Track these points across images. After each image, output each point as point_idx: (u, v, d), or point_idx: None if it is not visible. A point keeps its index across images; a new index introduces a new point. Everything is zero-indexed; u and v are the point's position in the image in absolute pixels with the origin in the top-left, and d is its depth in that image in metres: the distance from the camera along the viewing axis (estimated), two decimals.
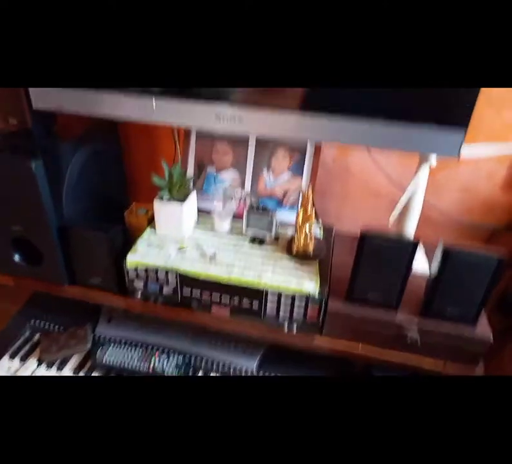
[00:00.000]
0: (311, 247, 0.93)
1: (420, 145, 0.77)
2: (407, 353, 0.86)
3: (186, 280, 0.90)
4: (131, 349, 0.99)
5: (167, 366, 0.95)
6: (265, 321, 0.90)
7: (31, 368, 0.99)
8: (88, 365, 0.99)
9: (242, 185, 1.06)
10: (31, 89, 0.88)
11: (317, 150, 1.01)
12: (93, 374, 0.97)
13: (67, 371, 0.98)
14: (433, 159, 0.87)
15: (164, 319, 0.96)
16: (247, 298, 0.88)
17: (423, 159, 0.88)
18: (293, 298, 0.86)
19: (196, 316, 0.94)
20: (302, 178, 1.03)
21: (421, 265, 0.98)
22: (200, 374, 0.96)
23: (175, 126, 1.08)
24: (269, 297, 0.86)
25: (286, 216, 1.04)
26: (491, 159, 1.00)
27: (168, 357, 0.97)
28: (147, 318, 1.00)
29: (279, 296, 0.86)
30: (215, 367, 0.96)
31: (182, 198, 0.96)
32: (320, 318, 0.87)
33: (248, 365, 0.96)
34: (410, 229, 0.97)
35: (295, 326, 0.88)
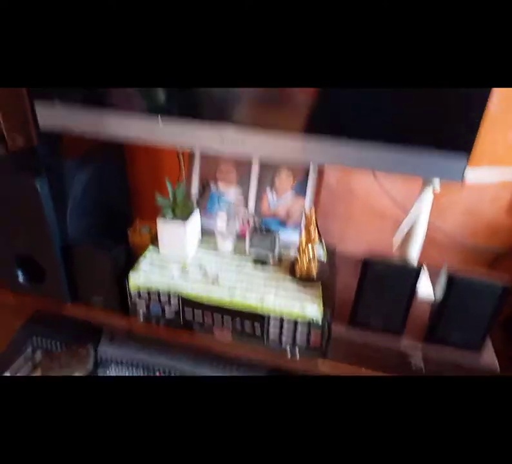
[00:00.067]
0: (314, 270, 0.92)
1: (423, 170, 0.77)
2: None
3: (188, 302, 0.89)
4: (132, 369, 0.98)
5: None
6: (268, 345, 0.89)
7: None
8: None
9: (246, 204, 1.06)
10: (37, 109, 0.89)
11: (320, 171, 1.02)
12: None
13: None
14: (437, 183, 0.87)
15: (167, 340, 0.96)
16: (250, 322, 0.87)
17: (426, 182, 0.88)
18: (296, 323, 0.85)
19: (198, 338, 0.93)
20: (305, 199, 1.03)
21: (425, 288, 0.97)
22: None
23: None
24: (272, 321, 0.86)
25: (289, 236, 1.04)
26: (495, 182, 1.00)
27: None
28: (150, 338, 0.99)
29: (282, 320, 0.85)
30: None
31: (186, 218, 0.96)
32: (324, 343, 0.86)
33: None
34: (414, 252, 0.97)
35: (297, 350, 0.88)
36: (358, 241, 1.16)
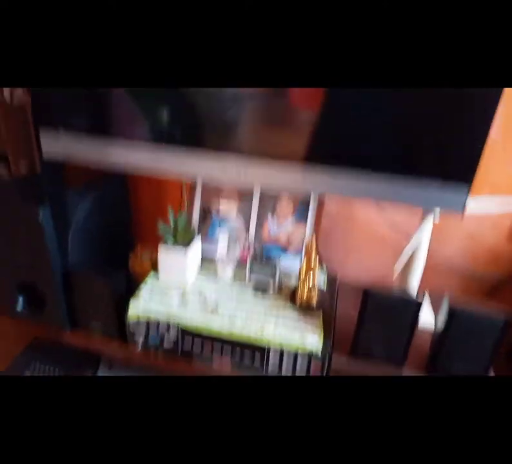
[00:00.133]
0: (314, 298, 0.92)
1: (423, 201, 0.77)
2: None
3: (187, 331, 0.89)
4: None
5: None
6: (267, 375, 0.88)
7: None
8: None
9: (247, 231, 1.06)
10: (42, 137, 0.90)
11: (321, 198, 1.02)
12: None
13: None
14: (437, 212, 0.87)
15: (165, 369, 0.95)
16: (249, 352, 0.87)
17: (427, 211, 0.89)
18: (296, 353, 0.84)
19: (197, 368, 0.92)
20: (306, 225, 1.03)
21: (427, 317, 0.96)
22: None
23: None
24: (272, 352, 0.85)
25: (290, 262, 1.04)
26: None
27: None
28: (148, 366, 0.98)
29: (282, 350, 0.85)
30: None
31: (187, 245, 0.96)
32: (324, 374, 0.85)
33: None
34: (414, 280, 0.97)
35: None
36: (359, 267, 1.15)
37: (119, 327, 0.95)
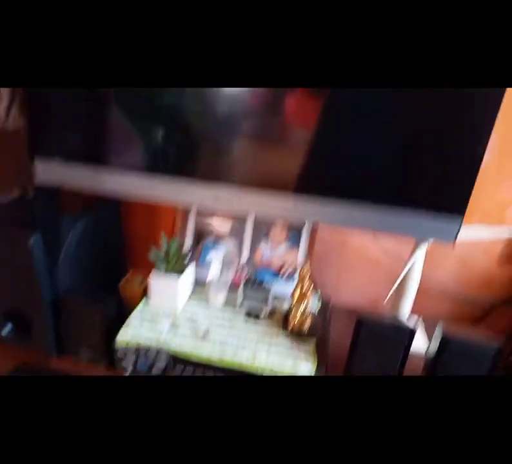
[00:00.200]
0: (307, 325, 0.91)
1: (415, 231, 0.78)
2: None
3: (177, 358, 0.87)
4: None
5: None
6: None
7: None
8: None
9: (240, 255, 1.06)
10: (37, 164, 0.90)
11: (315, 224, 1.02)
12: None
13: None
14: (429, 242, 0.88)
15: None
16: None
17: (419, 241, 0.89)
18: None
19: None
20: (299, 250, 1.03)
21: (419, 342, 0.96)
22: None
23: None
24: None
25: (283, 287, 1.03)
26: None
27: None
28: None
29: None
30: None
31: (179, 272, 0.95)
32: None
33: None
34: (407, 305, 0.97)
35: None
36: (352, 292, 1.15)
37: (108, 354, 0.94)
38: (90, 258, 1.03)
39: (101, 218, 1.06)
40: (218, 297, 1.00)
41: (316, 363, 0.83)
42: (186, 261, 0.98)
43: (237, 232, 1.06)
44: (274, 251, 1.04)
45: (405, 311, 0.97)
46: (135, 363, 0.90)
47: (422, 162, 0.74)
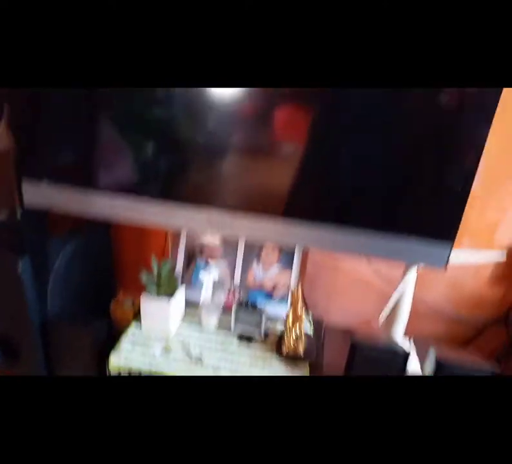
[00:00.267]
0: (301, 348, 0.90)
1: (405, 256, 0.78)
2: None
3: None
4: None
5: None
6: None
7: None
8: None
9: (232, 277, 1.05)
10: (24, 187, 0.89)
11: (306, 247, 1.03)
12: None
13: None
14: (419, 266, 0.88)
15: None
16: None
17: (409, 265, 0.89)
18: None
19: None
20: (291, 271, 1.03)
21: (413, 365, 0.95)
22: None
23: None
24: None
25: (275, 308, 1.03)
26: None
27: None
28: None
29: None
30: None
31: (170, 295, 0.94)
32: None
33: None
34: (400, 327, 0.96)
35: None
36: (344, 312, 1.15)
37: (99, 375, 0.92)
38: (80, 280, 1.02)
39: (91, 240, 1.05)
40: (211, 320, 0.99)
41: None
42: (177, 285, 0.97)
43: (229, 254, 1.05)
44: (266, 272, 1.04)
45: (398, 332, 0.97)
46: None
47: (412, 188, 0.74)
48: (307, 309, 1.00)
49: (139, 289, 0.95)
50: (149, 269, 0.94)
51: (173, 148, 0.82)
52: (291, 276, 1.02)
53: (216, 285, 1.03)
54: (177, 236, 1.06)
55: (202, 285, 1.05)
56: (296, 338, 0.90)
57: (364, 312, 1.11)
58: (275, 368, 0.87)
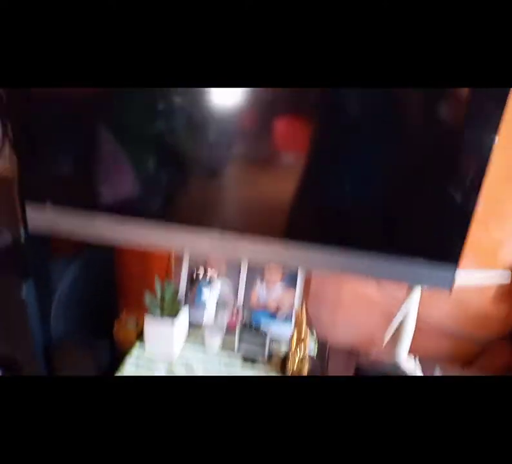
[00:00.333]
0: (305, 369, 0.90)
1: (409, 278, 0.78)
2: None
3: None
4: None
5: None
6: None
7: None
8: None
9: (235, 296, 1.05)
10: (28, 212, 0.89)
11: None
12: None
13: None
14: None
15: None
16: None
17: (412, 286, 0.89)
18: None
19: None
20: (295, 290, 1.03)
21: None
22: None
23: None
24: None
25: (279, 328, 1.02)
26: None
27: None
28: None
29: None
30: None
31: (173, 316, 0.94)
32: None
33: None
34: (405, 345, 0.96)
35: None
36: (348, 331, 1.14)
37: None
38: (83, 301, 1.02)
39: (94, 261, 1.05)
40: (214, 341, 0.98)
41: None
42: (181, 306, 0.97)
43: (232, 274, 1.05)
44: (270, 292, 1.04)
45: (403, 351, 0.96)
46: None
47: (416, 209, 0.74)
48: (311, 329, 0.99)
49: (142, 309, 0.95)
50: (152, 290, 0.94)
51: (175, 171, 0.82)
52: (294, 295, 1.02)
53: (220, 306, 1.03)
54: (180, 257, 1.07)
55: (205, 305, 1.05)
56: (301, 359, 0.89)
57: (368, 332, 1.11)
58: None
